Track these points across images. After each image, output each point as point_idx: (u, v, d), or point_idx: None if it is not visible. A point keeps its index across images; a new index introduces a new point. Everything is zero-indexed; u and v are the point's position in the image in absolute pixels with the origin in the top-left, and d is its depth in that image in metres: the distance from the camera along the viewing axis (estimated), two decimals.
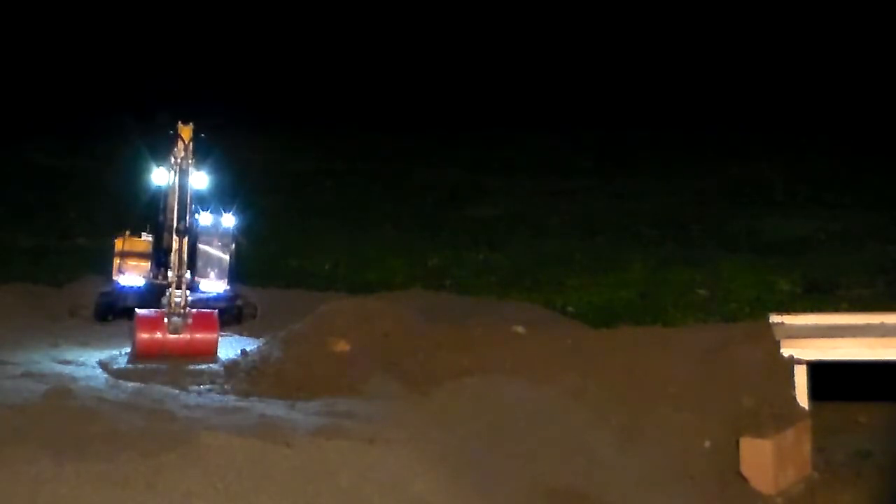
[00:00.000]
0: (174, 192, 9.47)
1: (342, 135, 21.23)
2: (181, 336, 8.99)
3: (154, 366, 8.55)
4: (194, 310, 9.17)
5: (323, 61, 26.02)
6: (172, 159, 9.42)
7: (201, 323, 9.12)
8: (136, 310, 9.29)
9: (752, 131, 20.97)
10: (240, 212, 10.30)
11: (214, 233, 10.12)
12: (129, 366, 8.61)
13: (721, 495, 7.45)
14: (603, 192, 16.91)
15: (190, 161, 9.38)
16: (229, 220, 10.14)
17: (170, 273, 9.25)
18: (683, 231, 14.43)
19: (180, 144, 9.34)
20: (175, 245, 9.32)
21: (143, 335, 8.95)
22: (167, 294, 9.18)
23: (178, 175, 9.38)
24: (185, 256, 9.34)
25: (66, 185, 16.72)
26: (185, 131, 9.40)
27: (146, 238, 10.15)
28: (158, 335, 8.99)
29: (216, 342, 9.11)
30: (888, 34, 24.69)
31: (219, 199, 10.04)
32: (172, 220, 9.53)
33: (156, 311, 9.20)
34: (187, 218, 9.39)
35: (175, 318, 8.99)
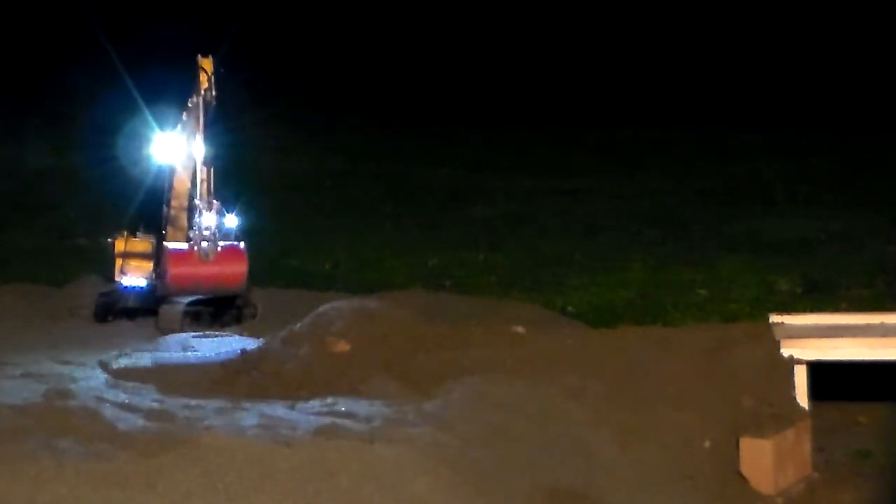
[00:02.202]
0: (186, 169, 9.61)
1: (342, 135, 21.22)
2: (211, 269, 9.23)
3: (154, 366, 8.56)
4: (222, 242, 9.43)
5: (322, 62, 26.00)
6: (191, 101, 9.58)
7: (230, 255, 9.35)
8: (166, 244, 9.52)
9: (752, 131, 20.96)
10: (241, 212, 10.32)
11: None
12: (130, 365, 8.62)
13: (721, 495, 7.45)
14: (603, 192, 16.90)
15: (213, 93, 9.61)
16: (231, 221, 10.16)
17: (198, 201, 9.47)
18: (683, 231, 14.42)
19: (203, 76, 9.56)
20: (202, 175, 9.56)
21: (176, 269, 9.16)
22: (197, 222, 9.40)
23: (202, 105, 9.58)
24: (212, 186, 9.58)
25: (65, 185, 16.71)
26: (207, 63, 9.65)
27: (147, 238, 10.18)
28: (190, 268, 9.22)
29: (245, 274, 9.36)
30: (888, 34, 24.68)
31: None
32: (178, 210, 9.63)
33: (186, 245, 9.43)
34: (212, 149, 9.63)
35: (205, 244, 9.20)
